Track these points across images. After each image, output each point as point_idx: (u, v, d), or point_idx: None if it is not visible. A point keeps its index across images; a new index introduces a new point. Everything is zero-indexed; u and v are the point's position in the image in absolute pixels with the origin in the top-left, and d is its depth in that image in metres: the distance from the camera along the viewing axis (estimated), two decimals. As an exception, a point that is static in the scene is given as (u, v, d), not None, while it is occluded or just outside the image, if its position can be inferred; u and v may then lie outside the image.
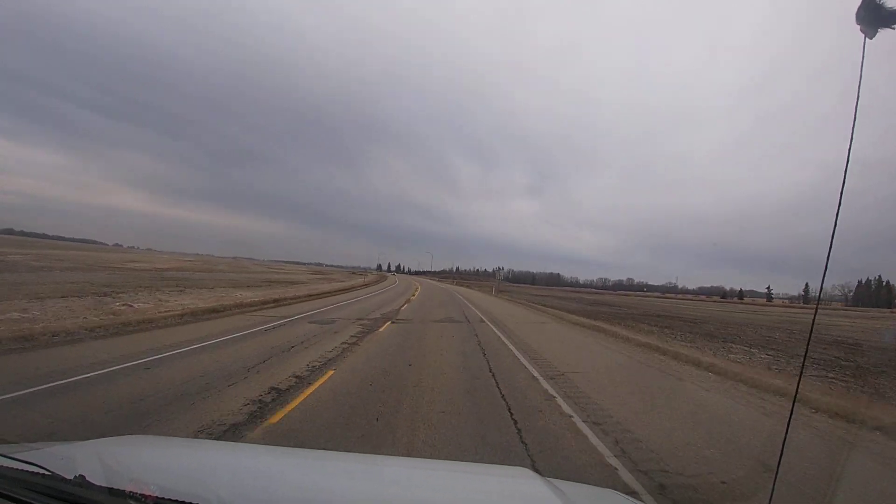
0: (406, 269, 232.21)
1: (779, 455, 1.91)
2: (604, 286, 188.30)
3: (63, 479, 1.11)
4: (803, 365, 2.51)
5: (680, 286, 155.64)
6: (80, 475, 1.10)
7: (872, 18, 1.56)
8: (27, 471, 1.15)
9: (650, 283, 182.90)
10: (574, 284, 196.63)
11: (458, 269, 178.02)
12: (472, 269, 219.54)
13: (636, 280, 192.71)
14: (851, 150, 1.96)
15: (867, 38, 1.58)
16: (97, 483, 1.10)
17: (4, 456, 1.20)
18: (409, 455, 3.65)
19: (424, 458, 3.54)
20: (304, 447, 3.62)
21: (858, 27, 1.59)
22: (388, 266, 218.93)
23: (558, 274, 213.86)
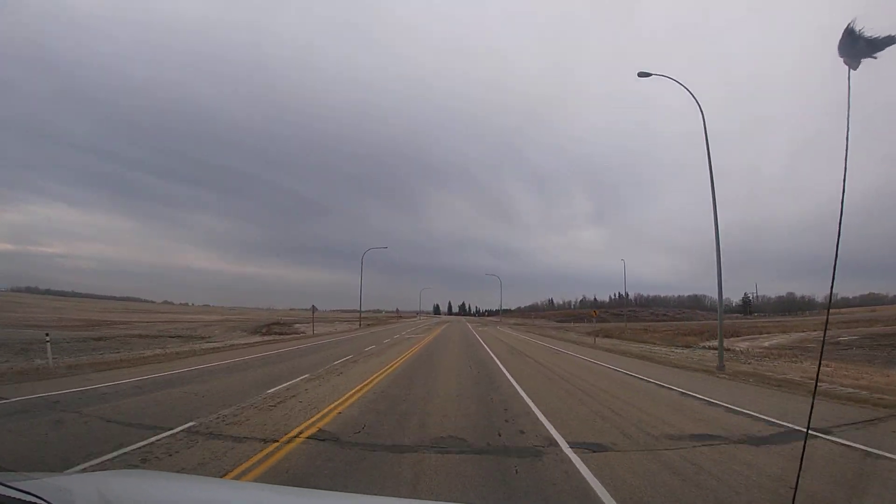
0: (474, 311, 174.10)
1: (798, 467, 1.83)
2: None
3: None
4: (819, 367, 2.44)
5: (820, 301, 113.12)
6: None
7: (853, 50, 1.58)
8: (25, 500, 1.11)
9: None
10: (713, 309, 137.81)
11: (552, 300, 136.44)
12: (563, 301, 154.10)
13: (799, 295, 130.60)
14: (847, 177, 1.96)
15: (851, 70, 1.59)
16: None
17: (2, 485, 1.16)
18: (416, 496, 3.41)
19: (431, 499, 3.32)
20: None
21: (842, 60, 1.60)
22: (449, 307, 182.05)
23: (695, 295, 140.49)
